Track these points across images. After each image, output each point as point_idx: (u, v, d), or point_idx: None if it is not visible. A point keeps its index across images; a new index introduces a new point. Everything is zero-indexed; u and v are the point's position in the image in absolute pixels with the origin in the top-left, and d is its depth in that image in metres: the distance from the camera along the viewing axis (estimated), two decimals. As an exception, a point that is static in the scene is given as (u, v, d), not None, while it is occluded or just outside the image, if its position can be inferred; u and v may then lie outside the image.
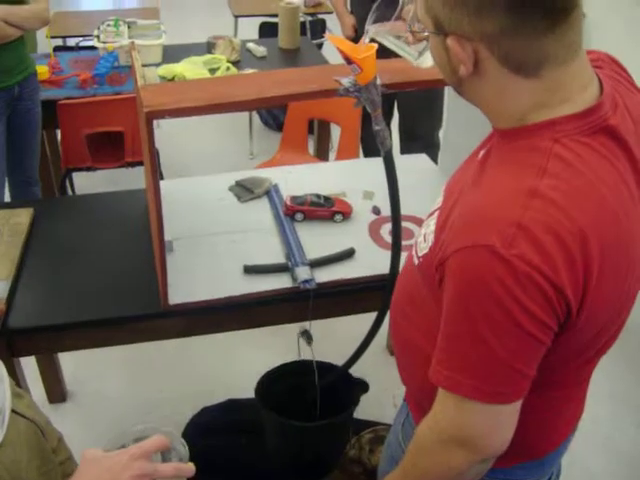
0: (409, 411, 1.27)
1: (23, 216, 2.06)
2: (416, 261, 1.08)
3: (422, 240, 1.07)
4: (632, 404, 2.63)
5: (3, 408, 1.09)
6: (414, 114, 3.30)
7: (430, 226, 1.05)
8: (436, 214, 1.05)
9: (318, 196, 2.08)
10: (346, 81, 1.44)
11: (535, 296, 0.85)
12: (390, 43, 1.42)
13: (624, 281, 0.94)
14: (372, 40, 1.44)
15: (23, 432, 1.31)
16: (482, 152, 1.02)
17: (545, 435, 1.15)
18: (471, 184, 0.95)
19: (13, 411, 1.23)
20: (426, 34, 0.96)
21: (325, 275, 1.84)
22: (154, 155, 1.45)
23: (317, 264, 1.86)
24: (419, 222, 2.04)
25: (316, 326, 1.83)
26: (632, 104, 0.97)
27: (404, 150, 3.37)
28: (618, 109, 0.93)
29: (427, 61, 1.35)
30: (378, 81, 1.41)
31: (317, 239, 1.98)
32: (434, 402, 1.00)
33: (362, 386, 1.98)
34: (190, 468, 0.92)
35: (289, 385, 2.04)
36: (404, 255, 1.59)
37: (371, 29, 1.47)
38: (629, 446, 2.48)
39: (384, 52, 1.42)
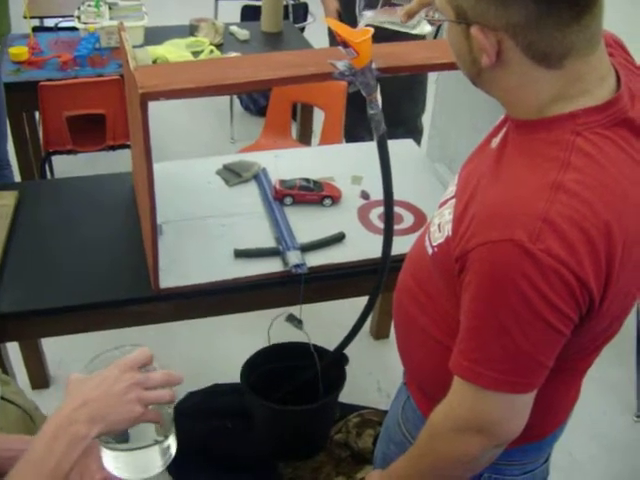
0: (409, 394, 1.28)
1: (8, 199, 2.03)
2: (430, 250, 1.08)
3: (436, 230, 1.07)
4: (618, 391, 2.67)
5: None
6: (397, 99, 3.30)
7: (445, 216, 1.05)
8: (450, 204, 1.05)
9: (307, 180, 2.07)
10: (341, 65, 1.44)
11: (560, 290, 0.86)
12: (385, 24, 1.45)
13: (639, 271, 0.96)
14: (367, 25, 1.45)
15: (13, 419, 1.29)
16: (495, 140, 1.02)
17: (548, 418, 1.17)
18: (489, 176, 0.95)
19: (2, 398, 1.21)
20: (440, 19, 0.95)
21: (315, 259, 1.84)
22: (148, 138, 1.44)
23: (308, 248, 1.86)
24: (408, 207, 2.05)
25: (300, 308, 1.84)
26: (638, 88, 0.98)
27: (387, 135, 3.36)
28: (635, 100, 0.94)
29: (425, 28, 1.40)
30: (373, 65, 1.41)
31: (306, 223, 1.98)
32: (450, 389, 1.01)
33: (342, 359, 1.98)
34: (179, 376, 0.91)
35: (275, 368, 2.05)
36: (395, 239, 1.61)
37: (366, 15, 1.49)
38: (613, 432, 2.52)
39: (378, 38, 1.43)
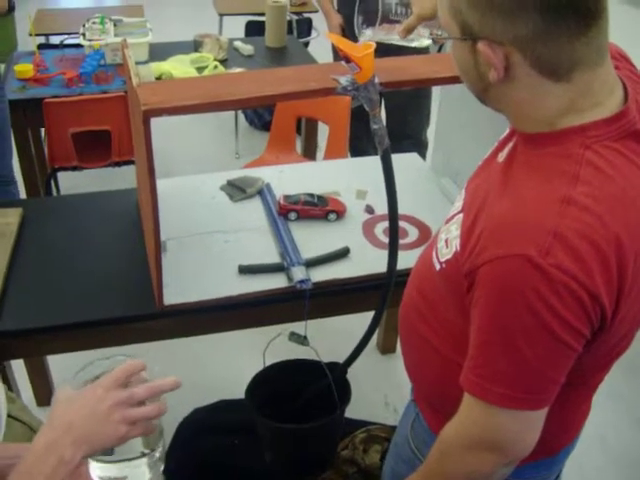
0: (418, 411, 1.27)
1: (12, 216, 2.02)
2: (437, 266, 1.07)
3: (443, 245, 1.06)
4: (627, 403, 2.64)
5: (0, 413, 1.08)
6: (402, 113, 3.31)
7: (452, 231, 1.04)
8: (457, 219, 1.04)
9: (311, 195, 2.07)
10: (344, 80, 1.44)
11: (571, 305, 0.85)
12: (385, 39, 1.45)
13: None
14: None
15: (19, 436, 1.29)
16: (501, 154, 1.01)
17: (560, 433, 1.15)
18: (497, 190, 0.94)
19: (8, 415, 1.21)
20: (446, 36, 0.95)
21: (320, 275, 1.83)
22: (151, 155, 1.44)
23: (312, 264, 1.85)
24: (413, 221, 2.04)
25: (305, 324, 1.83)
26: None
27: (392, 149, 3.36)
28: None
29: (424, 41, 1.41)
30: (376, 80, 1.41)
31: (311, 238, 1.97)
32: (461, 406, 1.00)
33: (339, 370, 1.94)
34: (169, 382, 0.91)
35: (282, 385, 2.03)
36: (401, 254, 1.59)
37: (365, 34, 1.49)
38: (622, 445, 2.50)
39: (381, 52, 1.43)
